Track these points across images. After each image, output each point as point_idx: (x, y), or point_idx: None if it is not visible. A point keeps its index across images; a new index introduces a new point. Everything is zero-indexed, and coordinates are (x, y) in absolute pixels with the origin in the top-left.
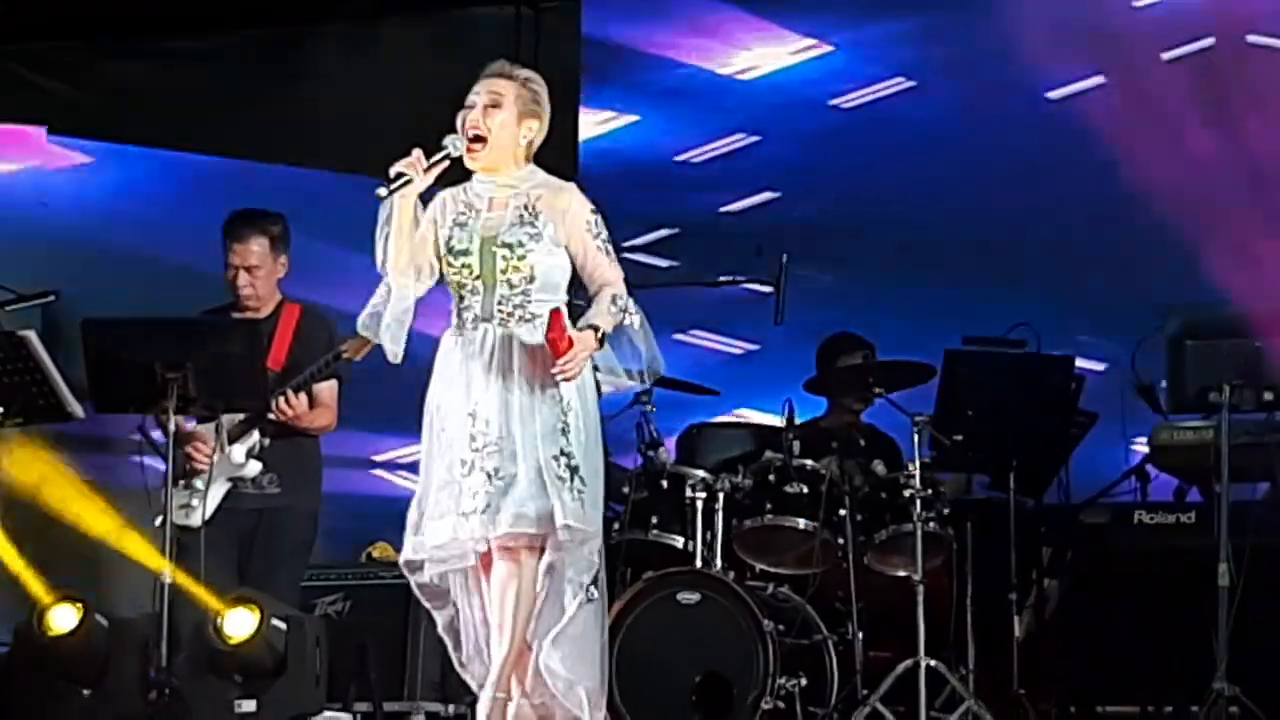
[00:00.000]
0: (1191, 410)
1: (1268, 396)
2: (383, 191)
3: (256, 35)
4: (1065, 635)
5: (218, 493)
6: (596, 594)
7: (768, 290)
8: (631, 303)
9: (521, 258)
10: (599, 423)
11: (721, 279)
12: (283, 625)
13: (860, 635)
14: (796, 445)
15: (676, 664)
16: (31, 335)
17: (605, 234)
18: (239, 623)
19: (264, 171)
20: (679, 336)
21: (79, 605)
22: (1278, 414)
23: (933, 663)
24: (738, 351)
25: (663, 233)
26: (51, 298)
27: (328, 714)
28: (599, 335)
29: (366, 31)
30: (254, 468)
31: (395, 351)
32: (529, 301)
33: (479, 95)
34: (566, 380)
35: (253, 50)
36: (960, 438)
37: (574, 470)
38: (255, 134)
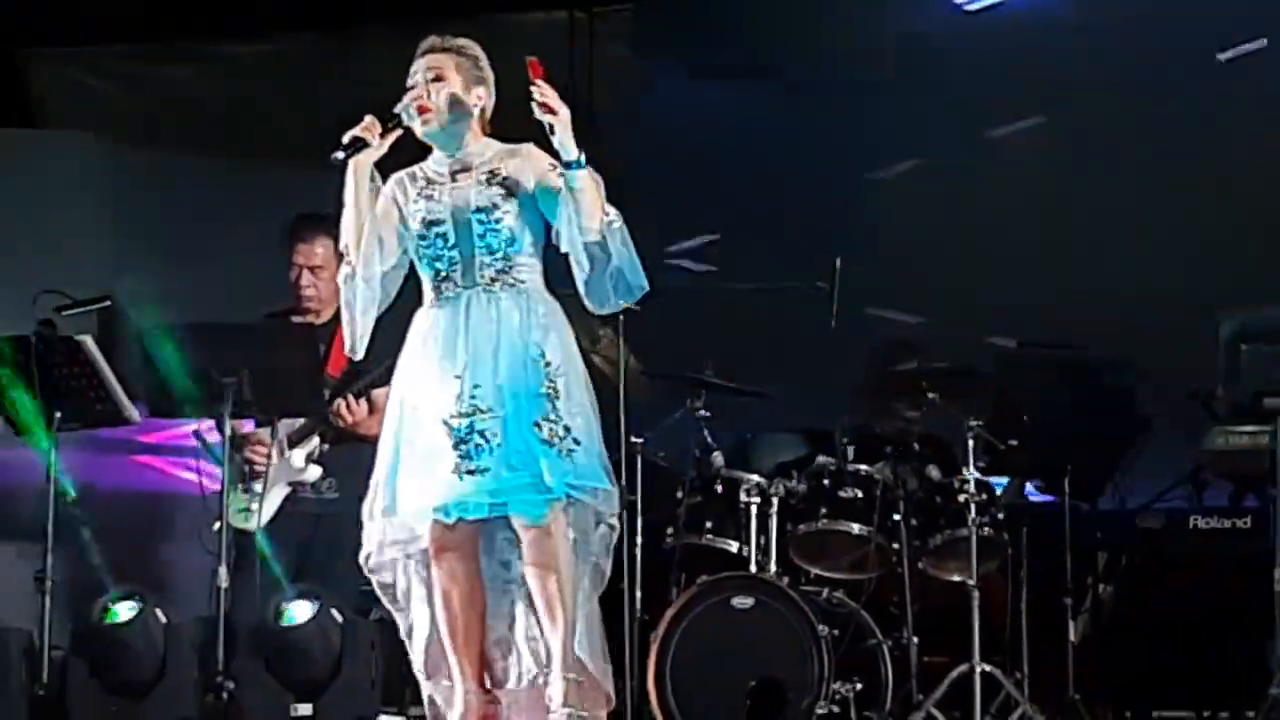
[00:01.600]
0: (1247, 415)
1: None
2: (339, 155)
3: (309, 40)
4: (1120, 640)
5: (276, 497)
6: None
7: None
8: (614, 210)
9: (498, 220)
10: (589, 384)
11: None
12: (340, 617)
13: (915, 640)
14: (850, 449)
15: (730, 669)
16: (88, 340)
17: None
18: (298, 610)
19: None
20: None
21: (137, 603)
22: None
23: (988, 667)
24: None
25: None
26: (107, 302)
27: (383, 718)
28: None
29: (413, 36)
30: (313, 473)
31: (356, 347)
32: (511, 266)
33: (418, 72)
34: (545, 106)
35: (305, 55)
36: (1015, 442)
37: (564, 431)
38: (307, 139)
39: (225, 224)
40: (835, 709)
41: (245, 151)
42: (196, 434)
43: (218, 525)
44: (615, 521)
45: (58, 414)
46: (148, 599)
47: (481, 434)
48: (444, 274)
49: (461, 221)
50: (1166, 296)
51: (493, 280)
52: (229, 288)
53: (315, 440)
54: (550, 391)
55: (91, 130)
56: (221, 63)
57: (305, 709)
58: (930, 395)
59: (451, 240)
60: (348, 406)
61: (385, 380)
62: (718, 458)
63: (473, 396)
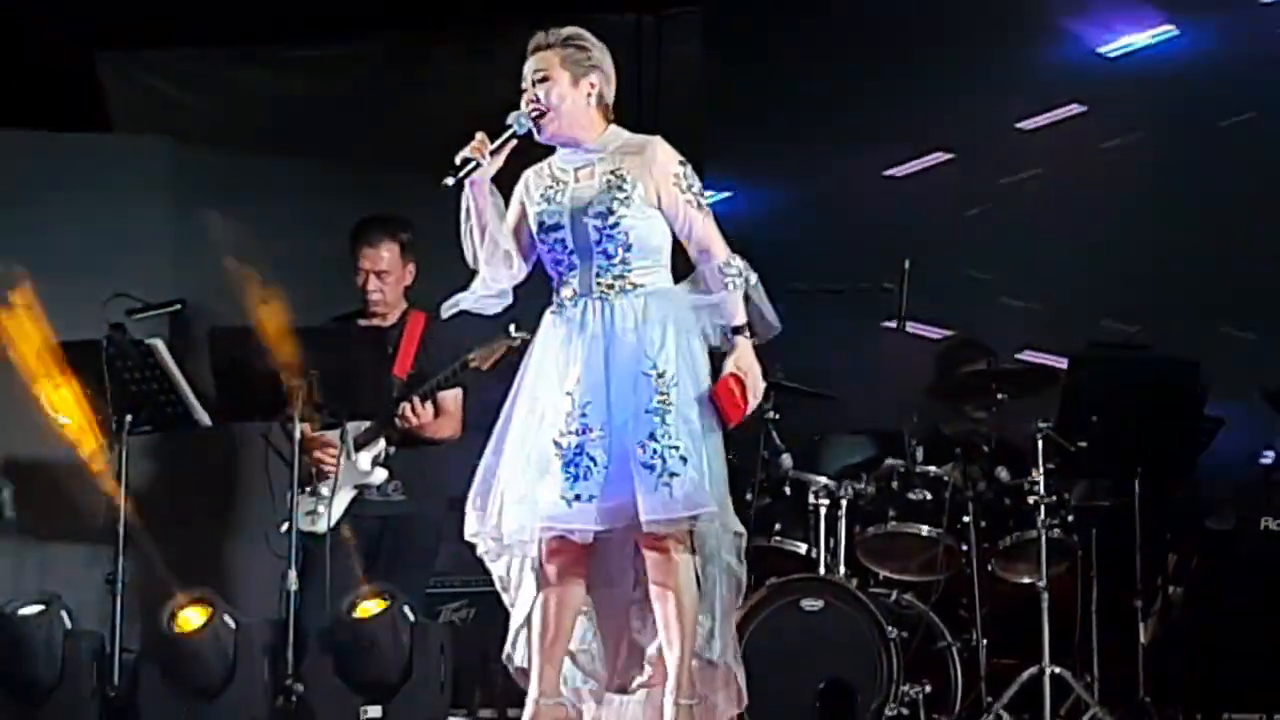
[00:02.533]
0: None
1: None
2: (449, 181)
3: (377, 42)
4: (1191, 642)
5: (343, 500)
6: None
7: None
8: (739, 260)
9: (614, 225)
10: (707, 381)
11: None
12: (410, 616)
13: (984, 642)
14: (919, 451)
15: (800, 671)
16: (159, 343)
17: (697, 185)
18: (370, 607)
19: None
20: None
21: (207, 607)
22: None
23: (1057, 670)
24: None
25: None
26: (178, 306)
27: None
28: (747, 335)
29: (486, 38)
30: (379, 475)
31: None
32: (629, 271)
33: (527, 75)
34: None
35: (373, 58)
36: (1084, 443)
37: (670, 452)
38: (375, 141)
39: (296, 227)
40: (904, 711)
41: (316, 154)
42: (265, 437)
43: (285, 527)
44: (742, 528)
45: (129, 417)
46: (217, 603)
47: (591, 457)
48: (564, 278)
49: (579, 226)
50: (1236, 294)
51: (609, 287)
52: (299, 290)
53: (381, 443)
54: (660, 405)
55: (164, 134)
56: (292, 66)
57: (375, 711)
58: (999, 396)
59: (569, 245)
60: (414, 409)
61: (451, 383)
62: (786, 459)
63: (583, 415)
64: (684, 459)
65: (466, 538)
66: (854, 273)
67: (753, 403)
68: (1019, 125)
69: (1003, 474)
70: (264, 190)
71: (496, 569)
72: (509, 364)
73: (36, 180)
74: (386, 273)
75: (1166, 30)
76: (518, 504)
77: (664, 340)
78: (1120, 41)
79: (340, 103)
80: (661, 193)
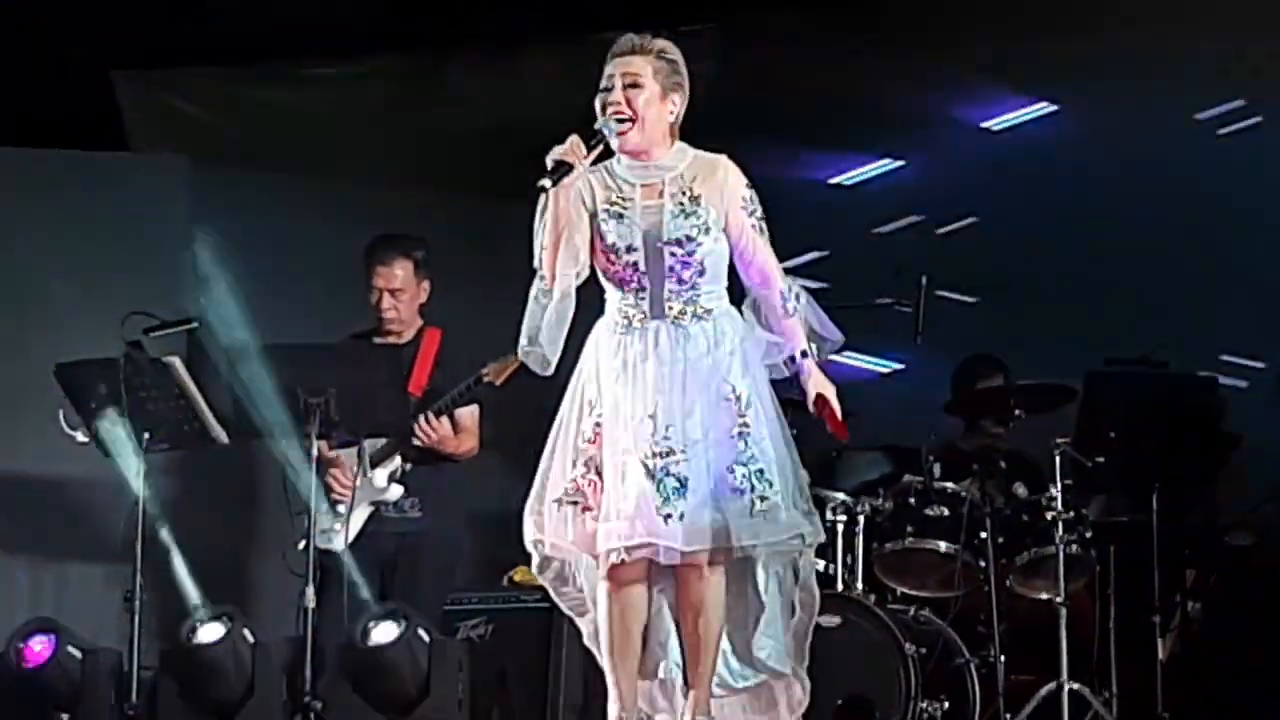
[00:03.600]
0: None
1: None
2: (546, 183)
3: (393, 61)
4: (1209, 657)
5: (360, 517)
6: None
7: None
8: (795, 284)
9: (691, 253)
10: (780, 413)
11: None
12: (426, 637)
13: (1003, 658)
14: (937, 467)
15: (818, 687)
16: (176, 361)
17: (760, 210)
18: (385, 629)
19: None
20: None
21: (227, 620)
22: None
23: (1076, 686)
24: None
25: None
26: (195, 324)
27: None
28: (815, 359)
29: (504, 56)
30: (396, 492)
31: (550, 361)
32: (699, 296)
33: (614, 76)
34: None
35: (389, 76)
36: (1101, 459)
37: (757, 476)
38: (391, 159)
39: (313, 244)
40: None
41: (331, 172)
42: (282, 454)
43: (302, 545)
44: (824, 537)
45: (146, 435)
46: (237, 616)
47: (677, 478)
48: (629, 299)
49: (653, 250)
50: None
51: (680, 313)
52: (315, 308)
53: (398, 460)
54: (743, 429)
55: (181, 152)
56: (309, 84)
57: None
58: (1016, 412)
59: (643, 268)
60: (430, 425)
61: (467, 399)
62: (804, 476)
63: (666, 437)
64: (770, 482)
65: (528, 544)
66: (874, 290)
67: (839, 411)
68: None
69: (1020, 490)
70: (280, 208)
71: (546, 577)
72: (523, 379)
73: (53, 199)
74: (400, 291)
75: None
76: (612, 520)
77: (734, 363)
78: None
79: (357, 120)
80: (730, 216)
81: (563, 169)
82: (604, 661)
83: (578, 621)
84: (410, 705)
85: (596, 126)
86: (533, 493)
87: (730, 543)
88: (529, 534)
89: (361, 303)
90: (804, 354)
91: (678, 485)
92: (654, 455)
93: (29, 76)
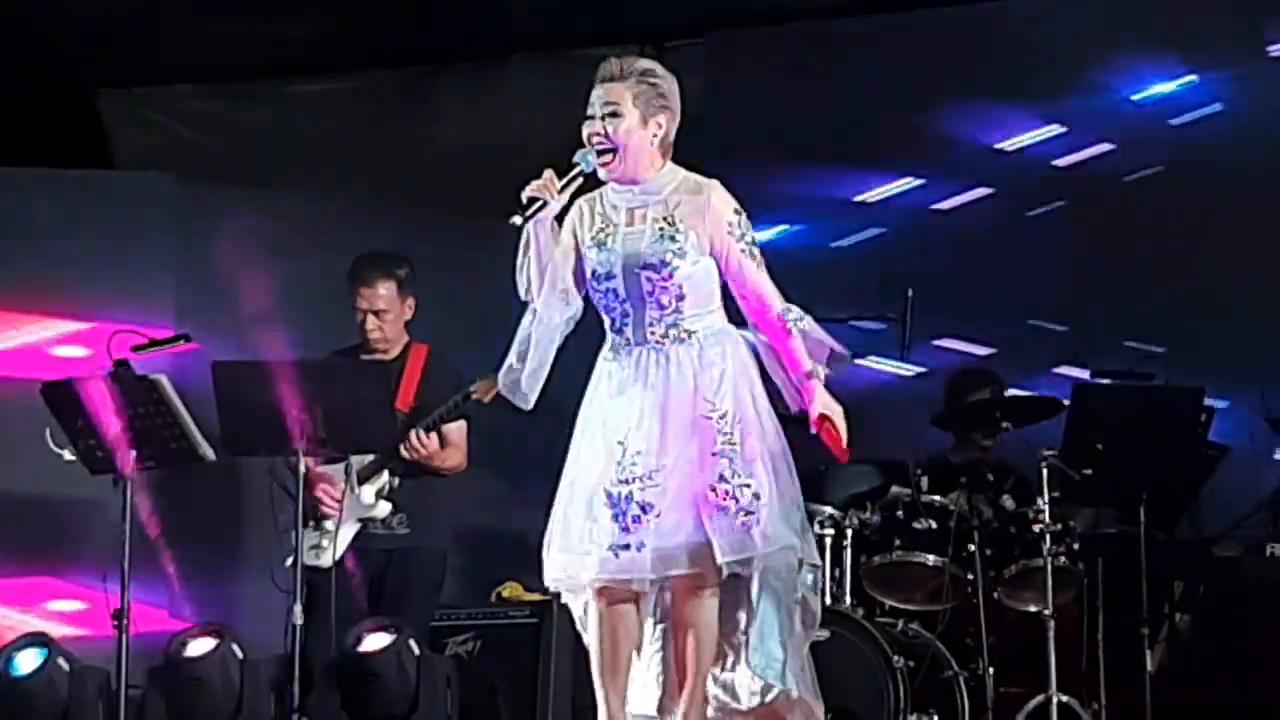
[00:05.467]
0: None
1: None
2: (517, 220)
3: (380, 78)
4: (1198, 670)
5: (348, 533)
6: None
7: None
8: (794, 308)
9: (668, 277)
10: (778, 426)
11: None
12: (416, 649)
13: (991, 671)
14: (924, 480)
15: None
16: (163, 379)
17: (750, 235)
18: (375, 640)
19: None
20: None
21: (216, 635)
22: None
23: (1065, 698)
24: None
25: None
26: (182, 341)
27: None
28: (819, 376)
29: (490, 75)
30: (384, 508)
31: (526, 394)
32: (682, 319)
33: (595, 104)
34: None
35: (375, 93)
36: (1089, 471)
37: (741, 492)
38: (378, 177)
39: (298, 262)
40: None
41: (318, 190)
42: (271, 471)
43: (290, 562)
44: (818, 560)
45: (133, 453)
46: (226, 632)
47: (641, 505)
48: (617, 326)
49: (631, 276)
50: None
51: (662, 337)
52: (302, 324)
53: (385, 476)
54: (726, 446)
55: (167, 170)
56: (294, 101)
57: None
58: (1004, 424)
59: (622, 295)
60: (419, 441)
61: (454, 415)
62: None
63: (633, 463)
64: (757, 495)
65: (548, 584)
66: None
67: (844, 433)
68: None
69: (1008, 502)
70: (266, 226)
71: (575, 609)
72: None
73: (39, 217)
74: (385, 311)
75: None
76: (563, 551)
77: (722, 381)
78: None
79: (342, 138)
80: (715, 241)
81: (536, 205)
82: (595, 678)
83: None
84: None
85: (575, 159)
86: (551, 530)
87: (708, 561)
88: (552, 574)
89: (349, 320)
90: (809, 375)
91: (638, 513)
92: (618, 483)
93: (15, 94)
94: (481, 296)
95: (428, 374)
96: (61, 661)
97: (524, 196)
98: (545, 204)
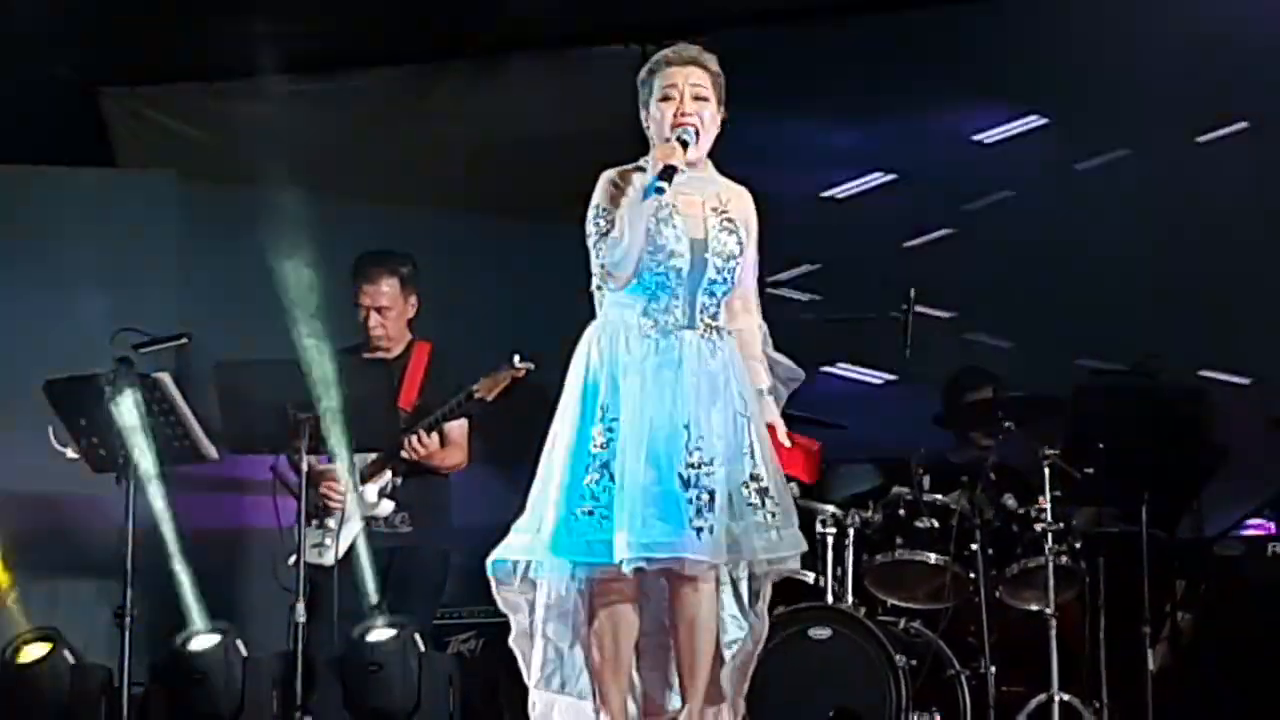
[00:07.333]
0: None
1: None
2: (665, 186)
3: (382, 76)
4: (1199, 669)
5: (350, 532)
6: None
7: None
8: (764, 324)
9: (733, 270)
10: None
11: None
12: (420, 644)
13: (993, 670)
14: (926, 479)
15: (808, 700)
16: (166, 377)
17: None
18: (380, 633)
19: None
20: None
21: (219, 632)
22: None
23: (1066, 697)
24: (876, 383)
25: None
26: (185, 340)
27: None
28: (772, 395)
29: (491, 71)
30: (386, 507)
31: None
32: (719, 312)
33: (676, 85)
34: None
35: (377, 91)
36: (1090, 470)
37: (764, 493)
38: (380, 174)
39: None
40: None
41: (320, 187)
42: (273, 469)
43: (293, 560)
44: (797, 564)
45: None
46: (229, 630)
47: (708, 491)
48: (664, 305)
49: (699, 259)
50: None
51: (708, 327)
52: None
53: (388, 474)
54: (753, 446)
55: (168, 168)
56: (296, 99)
57: None
58: (1006, 423)
59: (683, 275)
60: (420, 440)
61: (457, 413)
62: (793, 489)
63: (699, 448)
64: (775, 498)
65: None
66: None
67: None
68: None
69: (1010, 501)
70: (268, 224)
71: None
72: (514, 394)
73: (41, 215)
74: (387, 308)
75: None
76: (637, 529)
77: (746, 383)
78: None
79: (345, 136)
80: (747, 243)
81: (672, 173)
82: (595, 674)
83: (510, 618)
84: (401, 718)
85: (681, 136)
86: (530, 509)
87: (743, 557)
88: (514, 552)
89: (351, 318)
90: (769, 391)
91: (708, 498)
92: (689, 466)
93: (16, 93)
94: (482, 296)
95: (431, 372)
96: (66, 655)
97: (659, 165)
98: (677, 171)
